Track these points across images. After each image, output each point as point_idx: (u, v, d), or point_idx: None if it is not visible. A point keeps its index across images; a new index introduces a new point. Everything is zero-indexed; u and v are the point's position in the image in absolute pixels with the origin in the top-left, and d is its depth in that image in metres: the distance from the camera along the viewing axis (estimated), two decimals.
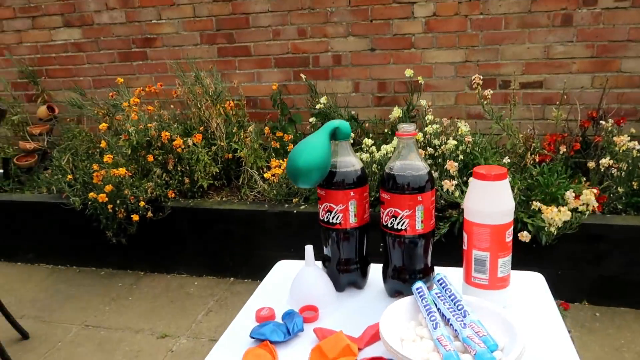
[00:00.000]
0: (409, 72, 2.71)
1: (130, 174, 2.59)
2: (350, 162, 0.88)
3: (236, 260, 2.64)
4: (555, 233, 1.96)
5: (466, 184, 2.18)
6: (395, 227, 0.84)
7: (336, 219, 0.89)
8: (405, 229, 0.84)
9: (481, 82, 2.30)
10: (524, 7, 2.79)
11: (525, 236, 2.00)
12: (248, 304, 0.94)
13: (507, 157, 2.25)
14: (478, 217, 0.82)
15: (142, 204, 2.51)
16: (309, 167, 0.80)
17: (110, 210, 2.51)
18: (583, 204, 1.87)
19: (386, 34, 3.02)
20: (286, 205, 2.51)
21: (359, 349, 0.76)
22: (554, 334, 0.78)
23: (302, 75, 3.10)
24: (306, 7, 3.10)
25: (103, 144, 2.75)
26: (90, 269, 2.88)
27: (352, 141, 2.15)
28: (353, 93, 3.20)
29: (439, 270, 0.96)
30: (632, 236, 2.10)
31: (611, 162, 2.17)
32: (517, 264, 2.39)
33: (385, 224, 0.86)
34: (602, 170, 2.21)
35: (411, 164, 0.83)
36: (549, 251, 2.16)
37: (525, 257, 2.20)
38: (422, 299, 0.76)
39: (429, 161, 2.37)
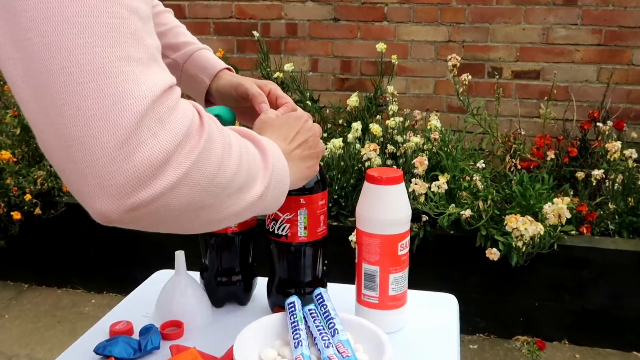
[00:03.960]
0: (380, 47, 2.82)
1: (15, 159, 2.65)
2: None
3: (147, 273, 2.71)
4: (524, 250, 2.09)
5: (431, 189, 2.30)
6: (275, 232, 0.94)
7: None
8: (285, 235, 0.94)
9: (458, 64, 2.43)
10: None
11: (493, 253, 2.14)
12: (107, 317, 1.02)
13: (481, 161, 2.39)
14: (368, 225, 0.93)
15: (27, 197, 2.56)
16: None
17: None
18: (554, 216, 2.01)
19: (353, 1, 3.14)
20: None
21: None
22: None
23: (254, 36, 3.13)
24: None
25: None
26: None
27: None
28: (310, 72, 3.31)
29: (337, 287, 1.07)
30: (622, 263, 2.26)
31: (603, 174, 2.33)
32: (486, 290, 2.52)
33: (267, 227, 0.96)
34: (593, 183, 2.37)
35: None
36: (524, 276, 2.31)
37: (495, 282, 2.35)
38: (291, 315, 0.87)
39: (389, 161, 2.49)
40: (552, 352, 2.33)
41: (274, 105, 0.94)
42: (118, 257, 2.72)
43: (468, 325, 2.46)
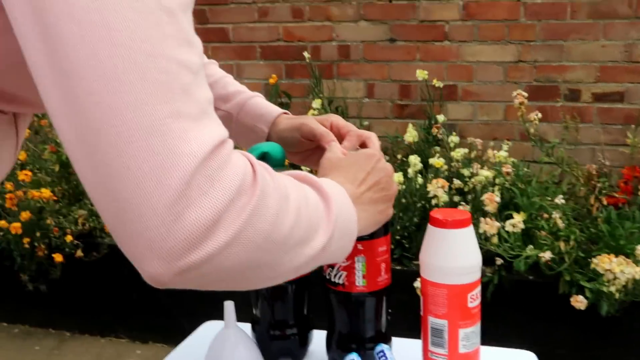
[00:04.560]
0: (421, 74, 2.82)
1: (56, 198, 2.75)
2: None
3: (194, 322, 2.75)
4: (617, 297, 2.02)
5: (505, 229, 2.26)
6: (333, 280, 0.95)
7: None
8: (342, 284, 0.95)
9: (525, 101, 2.39)
10: None
11: (579, 301, 2.07)
12: None
13: (560, 196, 2.33)
14: (434, 274, 0.92)
15: (68, 238, 2.65)
16: None
17: (27, 246, 2.66)
18: None
19: (410, 19, 3.16)
20: None
21: None
22: None
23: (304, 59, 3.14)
24: None
25: (22, 156, 2.92)
26: (0, 325, 3.03)
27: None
28: (366, 99, 3.34)
29: (402, 342, 1.06)
30: None
31: None
32: (573, 345, 2.43)
33: (324, 274, 0.97)
34: None
35: None
36: (618, 329, 2.22)
37: (583, 335, 2.27)
38: None
39: (457, 197, 2.47)
40: None
41: (339, 137, 0.95)
42: (163, 305, 2.77)
43: None
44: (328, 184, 0.73)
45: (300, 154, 0.99)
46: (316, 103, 2.92)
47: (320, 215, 0.67)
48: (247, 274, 0.59)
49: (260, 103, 1.04)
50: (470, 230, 0.92)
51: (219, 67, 1.11)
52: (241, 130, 1.02)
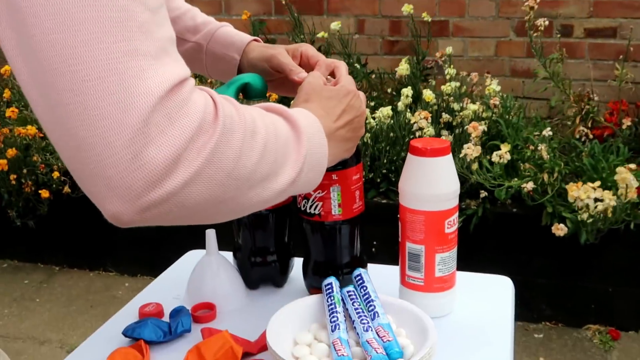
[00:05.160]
0: (407, 8, 2.78)
1: (42, 135, 2.74)
2: None
3: (180, 254, 2.79)
4: (591, 223, 2.06)
5: (491, 161, 2.28)
6: (308, 210, 0.97)
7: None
8: (318, 214, 0.96)
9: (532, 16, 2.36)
10: None
11: (560, 228, 2.11)
12: (136, 299, 1.07)
13: (548, 129, 2.35)
14: (412, 201, 0.94)
15: (55, 174, 2.66)
16: None
17: (14, 182, 2.67)
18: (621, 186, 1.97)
19: None
20: None
21: (252, 354, 0.90)
22: (489, 356, 0.90)
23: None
24: None
25: (6, 93, 2.90)
26: None
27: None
28: (357, 35, 3.31)
29: (381, 268, 1.09)
30: None
31: None
32: (553, 273, 2.51)
33: (299, 206, 0.98)
34: None
35: None
36: (597, 259, 2.28)
37: (563, 264, 2.33)
38: (328, 297, 0.89)
39: (444, 132, 2.48)
40: (627, 343, 2.31)
41: (309, 67, 0.95)
42: (150, 238, 2.80)
43: (533, 312, 2.45)
44: (302, 116, 0.72)
45: (271, 82, 0.99)
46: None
47: (289, 151, 0.67)
48: (211, 209, 0.60)
49: (230, 31, 1.02)
50: (448, 158, 0.93)
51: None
52: (212, 60, 1.01)
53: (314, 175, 0.73)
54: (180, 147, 0.53)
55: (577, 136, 2.42)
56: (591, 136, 2.46)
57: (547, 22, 2.45)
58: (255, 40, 1.02)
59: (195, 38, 1.01)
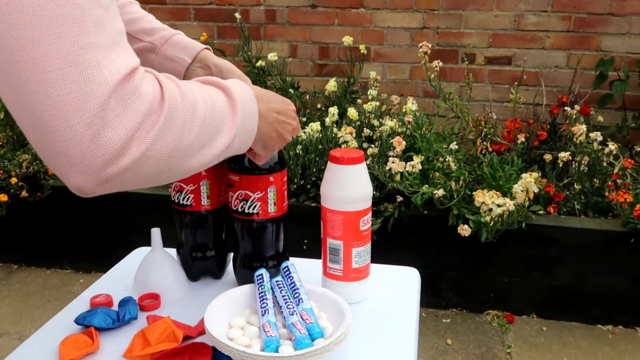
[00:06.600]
0: (347, 40, 2.86)
1: (0, 143, 2.65)
2: None
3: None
4: (492, 225, 2.15)
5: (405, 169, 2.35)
6: (246, 211, 0.98)
7: (187, 200, 1.03)
8: (257, 213, 0.98)
9: (428, 51, 2.47)
10: None
11: (465, 229, 2.19)
12: (88, 291, 1.06)
13: (454, 143, 2.43)
14: (332, 203, 0.97)
15: (13, 180, 2.58)
16: None
17: None
18: (523, 191, 2.07)
19: None
20: None
21: (192, 337, 0.91)
22: (397, 335, 0.94)
23: (235, 22, 3.11)
24: None
25: None
26: None
27: None
28: (290, 58, 3.33)
29: (307, 261, 1.12)
30: (587, 241, 2.33)
31: (570, 156, 2.39)
32: (458, 267, 2.59)
33: (235, 208, 1.00)
34: (560, 165, 2.43)
35: None
36: (495, 254, 2.37)
37: (467, 259, 2.41)
38: (259, 286, 0.91)
39: (365, 144, 2.54)
40: (520, 326, 2.40)
41: None
42: (103, 238, 2.75)
43: (442, 300, 2.53)
44: (238, 88, 0.74)
45: None
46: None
47: (225, 120, 0.69)
48: (160, 176, 0.62)
49: (184, 38, 1.02)
50: (362, 166, 0.97)
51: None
52: (162, 60, 1.00)
53: (246, 138, 0.75)
54: (133, 128, 0.56)
55: (479, 151, 2.52)
56: (490, 149, 2.56)
57: (440, 64, 2.54)
58: (207, 48, 1.03)
59: (150, 39, 1.01)
